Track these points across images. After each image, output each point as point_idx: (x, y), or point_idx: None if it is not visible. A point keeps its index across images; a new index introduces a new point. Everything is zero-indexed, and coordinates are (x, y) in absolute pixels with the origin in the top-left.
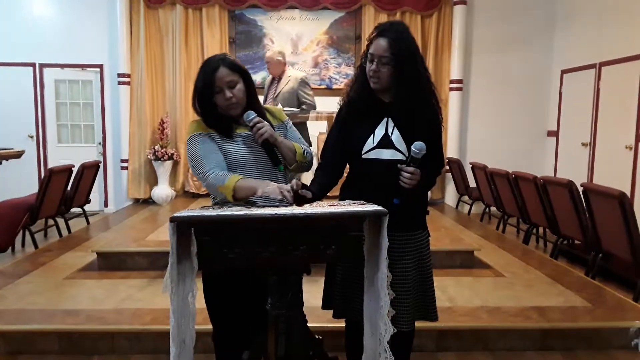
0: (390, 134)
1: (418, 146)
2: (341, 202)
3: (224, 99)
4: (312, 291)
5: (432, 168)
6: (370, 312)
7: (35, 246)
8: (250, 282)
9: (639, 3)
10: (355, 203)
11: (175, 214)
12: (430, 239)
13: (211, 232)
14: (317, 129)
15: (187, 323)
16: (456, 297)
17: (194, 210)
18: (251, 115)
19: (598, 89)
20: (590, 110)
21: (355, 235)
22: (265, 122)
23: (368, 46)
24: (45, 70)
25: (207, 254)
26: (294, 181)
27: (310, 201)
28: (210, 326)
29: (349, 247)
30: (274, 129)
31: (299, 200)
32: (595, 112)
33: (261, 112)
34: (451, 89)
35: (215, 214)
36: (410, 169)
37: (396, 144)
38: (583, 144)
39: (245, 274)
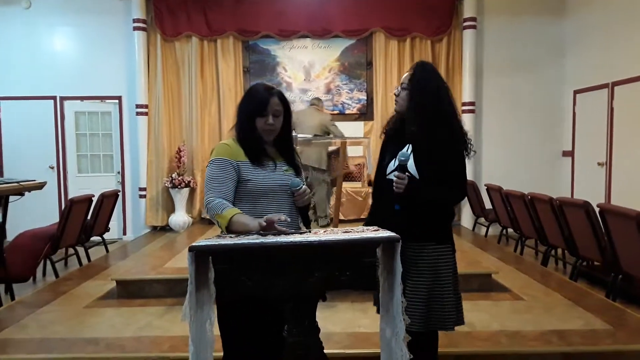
0: None
1: (402, 154)
2: (354, 229)
3: (264, 123)
4: (329, 317)
5: (439, 187)
6: (386, 338)
7: (56, 275)
8: (265, 309)
9: None
10: (368, 229)
11: (193, 244)
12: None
13: (228, 261)
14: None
15: (205, 350)
16: (474, 321)
17: (212, 239)
18: (298, 184)
19: (612, 108)
20: (605, 130)
21: (369, 262)
22: (308, 190)
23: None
24: (66, 103)
25: (224, 281)
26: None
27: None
28: None
29: (363, 273)
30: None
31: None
32: (610, 131)
33: (290, 144)
34: (463, 112)
35: (232, 242)
36: (397, 174)
37: (409, 168)
38: (599, 164)
39: (260, 301)
